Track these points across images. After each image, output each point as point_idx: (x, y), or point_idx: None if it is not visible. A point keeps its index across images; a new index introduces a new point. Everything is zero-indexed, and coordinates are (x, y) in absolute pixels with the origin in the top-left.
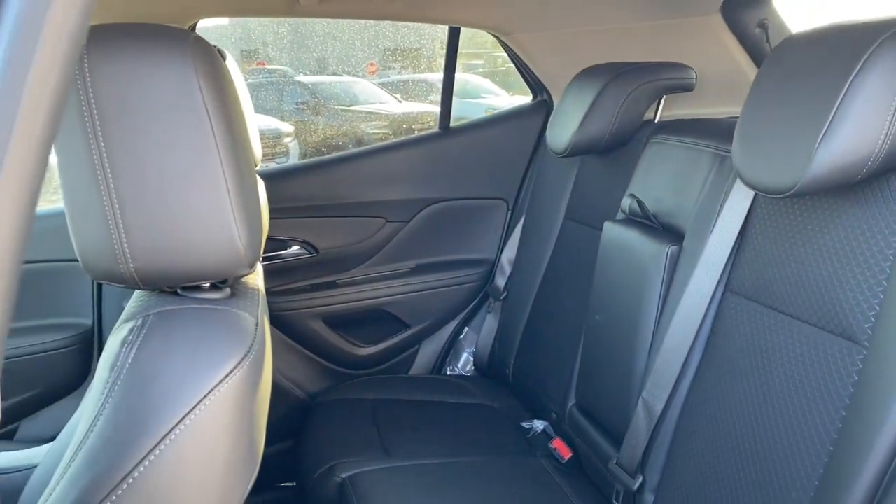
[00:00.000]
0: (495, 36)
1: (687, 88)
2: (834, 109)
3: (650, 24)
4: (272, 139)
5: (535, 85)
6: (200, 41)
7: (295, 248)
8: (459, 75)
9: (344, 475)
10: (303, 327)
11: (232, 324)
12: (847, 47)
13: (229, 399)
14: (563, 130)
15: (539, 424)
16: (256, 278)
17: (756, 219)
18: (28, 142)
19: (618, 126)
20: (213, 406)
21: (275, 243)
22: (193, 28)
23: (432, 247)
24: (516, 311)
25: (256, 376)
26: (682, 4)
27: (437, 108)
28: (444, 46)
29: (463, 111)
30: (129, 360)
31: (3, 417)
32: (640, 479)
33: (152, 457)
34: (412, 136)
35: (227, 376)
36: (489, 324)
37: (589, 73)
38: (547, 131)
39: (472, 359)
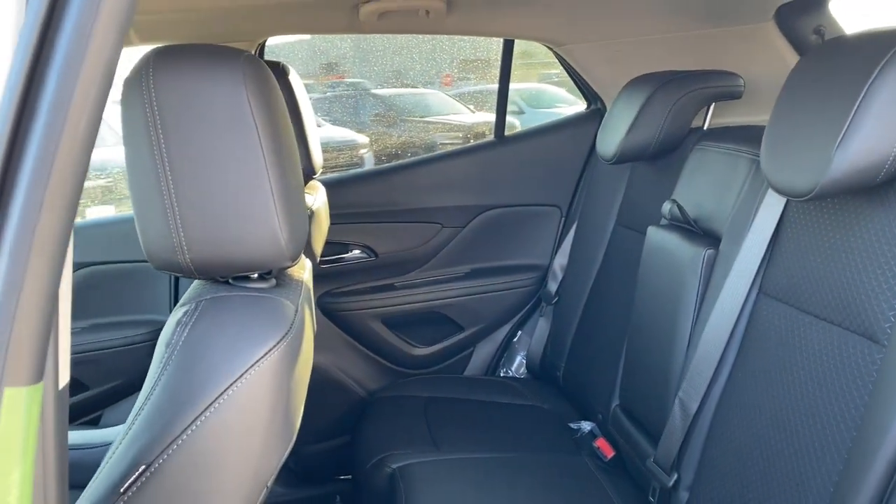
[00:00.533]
0: (548, 47)
1: (735, 96)
2: (852, 113)
3: (702, 32)
4: (349, 150)
5: (589, 94)
6: (252, 60)
7: (356, 252)
8: (535, 85)
9: (394, 466)
10: (362, 327)
11: (273, 310)
12: (867, 53)
13: (267, 375)
14: (611, 138)
15: (586, 425)
16: (302, 271)
17: (788, 222)
18: (73, 143)
19: (665, 133)
20: (253, 380)
21: (337, 247)
22: (262, 45)
23: (486, 252)
24: (567, 315)
25: (293, 357)
26: (733, 13)
27: (508, 119)
28: (518, 57)
29: (538, 121)
30: (182, 339)
31: (88, 405)
32: (675, 477)
33: (199, 422)
34: (468, 144)
35: (265, 355)
36: (541, 327)
37: (638, 82)
38: (597, 139)
39: (525, 361)
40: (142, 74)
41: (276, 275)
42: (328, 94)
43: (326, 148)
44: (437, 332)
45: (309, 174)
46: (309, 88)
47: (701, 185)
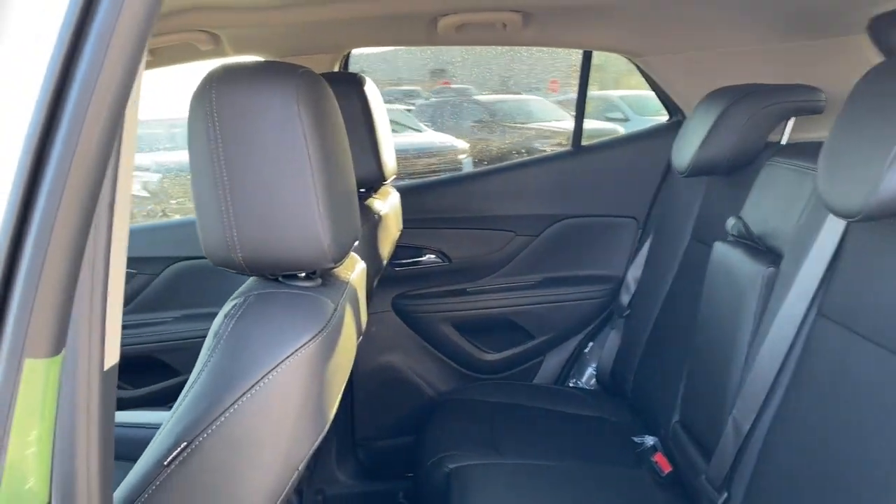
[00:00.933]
0: (628, 58)
1: (815, 111)
2: None
3: (788, 45)
4: (447, 155)
5: (670, 105)
6: (307, 76)
7: (430, 257)
8: (642, 92)
9: (451, 466)
10: (434, 330)
11: (312, 307)
12: None
13: (302, 366)
14: (685, 150)
15: (650, 440)
16: (349, 272)
17: (850, 243)
18: (92, 135)
19: (738, 148)
20: (288, 370)
21: (412, 251)
22: (347, 56)
23: (560, 261)
24: (638, 329)
25: (329, 351)
26: (822, 24)
27: (610, 126)
28: (628, 63)
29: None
30: (228, 330)
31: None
32: (725, 496)
33: (237, 405)
34: (544, 154)
35: (301, 347)
36: (612, 340)
37: (716, 95)
38: (672, 151)
39: (595, 373)
40: (205, 89)
41: (320, 274)
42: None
43: (426, 152)
44: (507, 338)
45: (379, 180)
46: (413, 94)
47: (768, 202)
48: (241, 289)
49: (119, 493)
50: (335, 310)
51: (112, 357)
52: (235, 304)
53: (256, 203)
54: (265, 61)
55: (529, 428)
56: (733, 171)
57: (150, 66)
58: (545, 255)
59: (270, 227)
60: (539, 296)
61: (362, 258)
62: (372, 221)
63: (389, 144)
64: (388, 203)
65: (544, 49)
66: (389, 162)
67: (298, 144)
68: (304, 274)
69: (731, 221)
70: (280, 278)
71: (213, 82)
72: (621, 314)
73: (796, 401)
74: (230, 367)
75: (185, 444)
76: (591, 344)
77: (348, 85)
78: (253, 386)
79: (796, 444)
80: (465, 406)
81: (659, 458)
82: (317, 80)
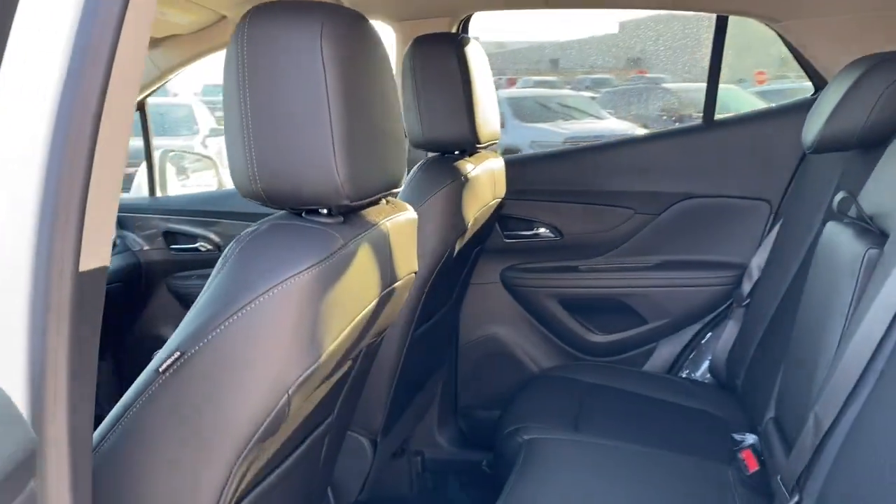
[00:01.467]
0: (767, 24)
1: None
2: None
3: None
4: None
5: (814, 77)
6: (338, 13)
7: (541, 230)
8: None
9: (525, 437)
10: (541, 305)
11: (316, 239)
12: None
13: (294, 293)
14: (814, 124)
15: (750, 438)
16: (383, 216)
17: None
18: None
19: (873, 121)
20: (279, 295)
21: (522, 224)
22: (466, 21)
23: (681, 244)
24: (755, 320)
25: (327, 283)
26: None
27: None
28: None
29: None
30: (234, 254)
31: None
32: (796, 499)
33: (228, 323)
34: (672, 128)
35: (295, 275)
36: (730, 330)
37: (855, 64)
38: (804, 126)
39: (710, 366)
40: (241, 24)
41: (342, 212)
42: (620, 88)
43: (598, 138)
44: (617, 321)
45: (472, 143)
46: (604, 83)
47: (890, 179)
48: (261, 220)
49: (122, 400)
50: (343, 245)
51: (94, 259)
52: (248, 231)
53: (274, 135)
54: (296, 1)
55: (620, 411)
56: (867, 148)
57: None
58: (665, 237)
59: (286, 160)
60: (655, 279)
61: (438, 213)
62: (458, 182)
63: (488, 109)
64: (482, 167)
65: (753, 40)
66: (486, 126)
67: (316, 79)
68: (325, 211)
69: (838, 197)
70: (304, 214)
71: (248, 16)
72: (741, 303)
73: (881, 399)
74: (228, 287)
75: (178, 353)
76: (709, 335)
77: (447, 45)
78: (244, 306)
79: (875, 448)
80: (557, 383)
81: (746, 455)
82: (348, 18)
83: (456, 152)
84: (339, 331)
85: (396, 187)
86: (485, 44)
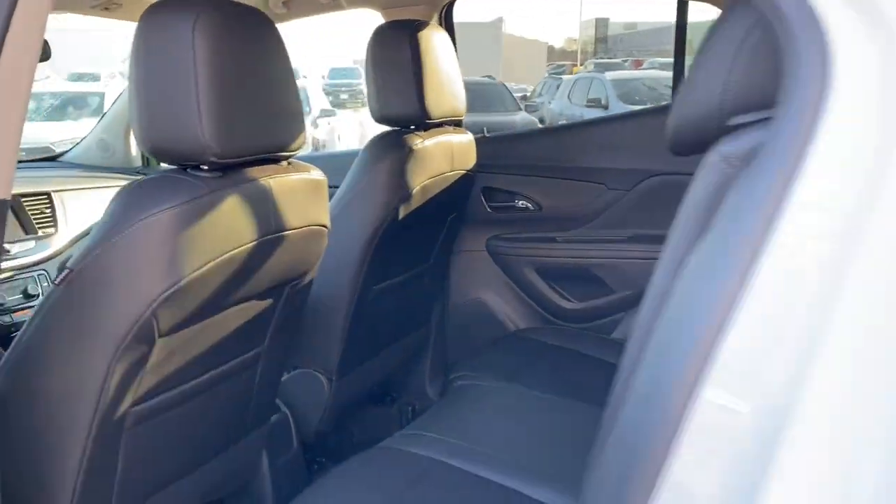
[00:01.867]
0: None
1: None
2: None
3: None
4: None
5: None
6: (217, 7)
7: (522, 203)
8: None
9: (459, 384)
10: (521, 273)
11: (179, 186)
12: None
13: (155, 226)
14: None
15: None
16: (271, 175)
17: None
18: None
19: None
20: (144, 226)
21: (505, 195)
22: (446, 8)
23: (650, 218)
24: None
25: (186, 221)
26: None
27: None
28: None
29: None
30: (120, 196)
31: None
32: None
33: (99, 250)
34: (641, 108)
35: (158, 212)
36: None
37: None
38: None
39: None
40: (141, 17)
41: (219, 167)
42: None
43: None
44: (589, 290)
45: (421, 119)
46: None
47: None
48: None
49: (35, 308)
50: (209, 193)
51: None
52: (129, 183)
53: (156, 104)
54: None
55: (560, 368)
56: None
57: (284, 19)
58: (636, 212)
59: (166, 125)
60: (625, 251)
61: (380, 181)
62: (402, 152)
63: (445, 89)
64: (434, 140)
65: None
66: (439, 104)
67: (187, 60)
68: (206, 168)
69: None
70: (188, 169)
71: (149, 7)
72: None
73: None
74: (107, 221)
75: (68, 270)
76: None
77: (402, 31)
78: (118, 235)
79: None
80: (520, 343)
81: None
82: (227, 11)
83: (412, 127)
84: (202, 262)
85: (284, 150)
86: (614, 24)
